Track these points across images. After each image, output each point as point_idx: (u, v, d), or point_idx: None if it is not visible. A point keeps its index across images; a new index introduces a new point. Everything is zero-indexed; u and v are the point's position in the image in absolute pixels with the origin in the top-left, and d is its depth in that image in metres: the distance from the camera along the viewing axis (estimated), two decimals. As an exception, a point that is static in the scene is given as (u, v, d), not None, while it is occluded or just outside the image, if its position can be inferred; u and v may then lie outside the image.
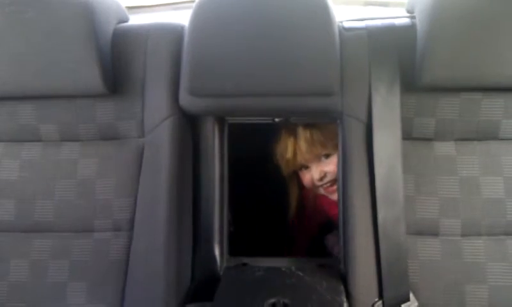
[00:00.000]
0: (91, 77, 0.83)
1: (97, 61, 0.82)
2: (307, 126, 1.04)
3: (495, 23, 0.77)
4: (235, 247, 0.93)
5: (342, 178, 0.88)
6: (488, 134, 0.87)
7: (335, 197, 1.06)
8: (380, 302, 0.82)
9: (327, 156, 1.06)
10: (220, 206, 0.91)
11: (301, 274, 0.85)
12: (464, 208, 0.84)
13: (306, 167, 1.09)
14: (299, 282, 0.83)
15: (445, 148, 0.87)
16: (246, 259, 0.91)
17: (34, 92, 0.87)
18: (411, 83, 0.85)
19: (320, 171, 1.06)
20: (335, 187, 1.06)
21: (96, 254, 0.86)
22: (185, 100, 0.86)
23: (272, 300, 0.77)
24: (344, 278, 0.84)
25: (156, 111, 0.88)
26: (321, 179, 1.06)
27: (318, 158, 1.06)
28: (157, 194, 0.85)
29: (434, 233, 0.85)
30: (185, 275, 0.86)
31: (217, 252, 0.89)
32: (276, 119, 0.93)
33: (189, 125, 0.90)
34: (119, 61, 0.88)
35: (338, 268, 0.87)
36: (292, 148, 1.06)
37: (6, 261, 0.87)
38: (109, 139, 0.90)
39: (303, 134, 1.04)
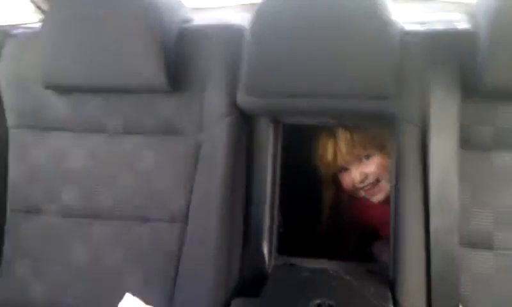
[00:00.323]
0: (155, 74, 0.87)
1: (161, 59, 0.86)
2: (347, 127, 1.02)
3: None
4: (284, 247, 0.94)
5: (395, 184, 0.87)
6: None
7: (375, 199, 1.05)
8: None
9: (367, 157, 1.04)
10: (271, 207, 0.92)
11: (348, 277, 0.85)
12: None
13: (346, 170, 1.07)
14: (346, 285, 0.83)
15: (503, 159, 0.84)
16: (293, 260, 0.92)
17: (101, 86, 0.92)
18: (471, 89, 0.83)
19: (361, 172, 1.04)
20: (375, 189, 1.04)
21: (151, 242, 0.90)
22: (243, 99, 0.88)
23: (317, 301, 0.77)
24: (392, 285, 0.83)
25: (214, 110, 0.90)
26: (362, 181, 1.04)
27: (358, 159, 1.04)
28: (212, 190, 0.87)
29: (489, 246, 0.82)
30: (235, 271, 0.88)
31: (265, 250, 0.90)
32: (331, 121, 0.94)
33: (245, 125, 0.92)
34: (181, 60, 0.91)
35: (387, 274, 0.86)
36: (332, 150, 1.05)
37: (67, 245, 0.93)
38: (169, 134, 0.93)
39: (343, 135, 1.03)
